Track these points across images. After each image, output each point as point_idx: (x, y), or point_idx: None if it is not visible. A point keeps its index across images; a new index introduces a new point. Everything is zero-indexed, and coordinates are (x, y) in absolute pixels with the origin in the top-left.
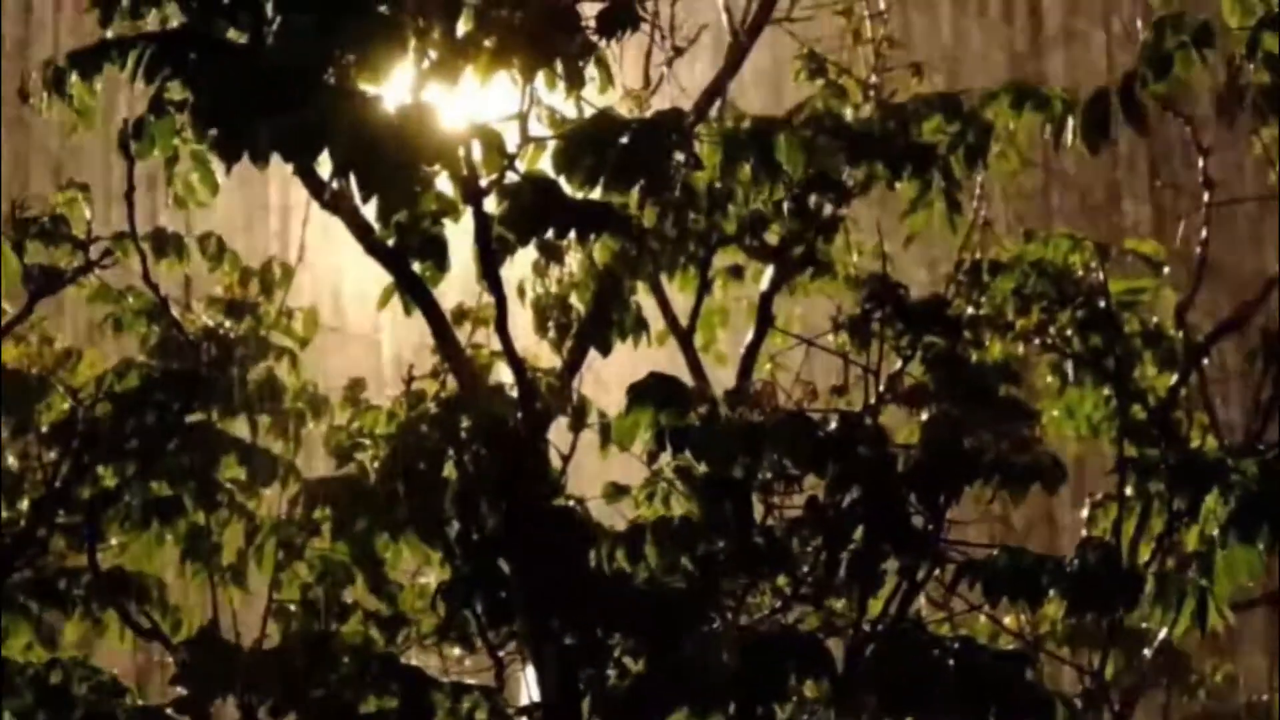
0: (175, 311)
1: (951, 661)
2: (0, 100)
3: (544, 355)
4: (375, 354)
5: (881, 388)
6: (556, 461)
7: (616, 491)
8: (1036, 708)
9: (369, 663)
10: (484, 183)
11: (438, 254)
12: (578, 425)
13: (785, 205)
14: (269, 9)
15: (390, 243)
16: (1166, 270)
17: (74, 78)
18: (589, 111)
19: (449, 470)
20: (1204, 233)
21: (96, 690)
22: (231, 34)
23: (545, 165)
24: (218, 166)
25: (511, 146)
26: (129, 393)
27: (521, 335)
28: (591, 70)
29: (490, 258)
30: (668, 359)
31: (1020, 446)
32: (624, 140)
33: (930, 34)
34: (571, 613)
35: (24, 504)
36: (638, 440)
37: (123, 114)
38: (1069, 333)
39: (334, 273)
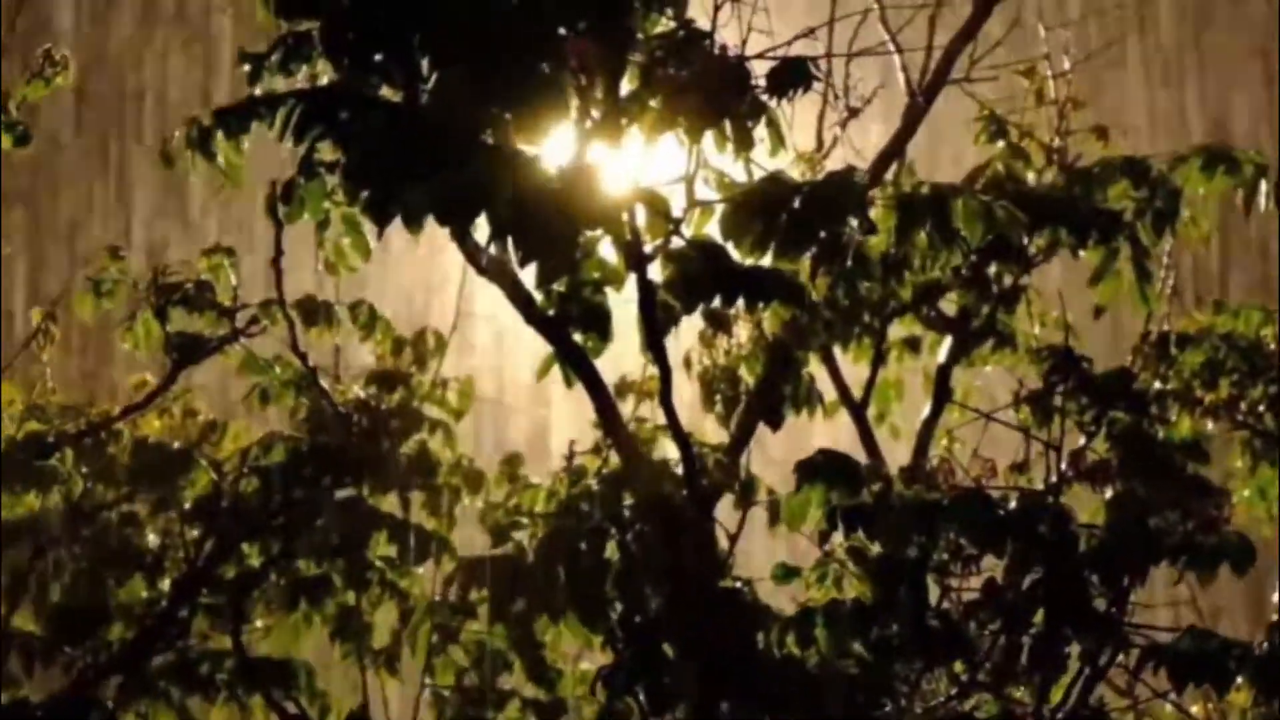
0: (324, 382)
1: None
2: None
3: (710, 430)
4: (534, 428)
5: (1064, 465)
6: (723, 541)
7: (786, 573)
8: None
9: None
10: (648, 249)
11: (600, 323)
12: (746, 503)
13: (964, 273)
14: (425, 65)
15: (550, 311)
16: None
17: (220, 136)
18: (759, 174)
19: (611, 550)
20: None
21: None
22: (385, 91)
23: (713, 230)
24: (370, 230)
25: (677, 211)
26: (275, 467)
27: (687, 409)
28: (762, 131)
29: (655, 327)
30: (840, 434)
31: (1208, 527)
32: (795, 205)
33: (1116, 95)
34: (739, 699)
35: (165, 583)
36: (808, 519)
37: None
38: (1260, 409)
39: (491, 343)
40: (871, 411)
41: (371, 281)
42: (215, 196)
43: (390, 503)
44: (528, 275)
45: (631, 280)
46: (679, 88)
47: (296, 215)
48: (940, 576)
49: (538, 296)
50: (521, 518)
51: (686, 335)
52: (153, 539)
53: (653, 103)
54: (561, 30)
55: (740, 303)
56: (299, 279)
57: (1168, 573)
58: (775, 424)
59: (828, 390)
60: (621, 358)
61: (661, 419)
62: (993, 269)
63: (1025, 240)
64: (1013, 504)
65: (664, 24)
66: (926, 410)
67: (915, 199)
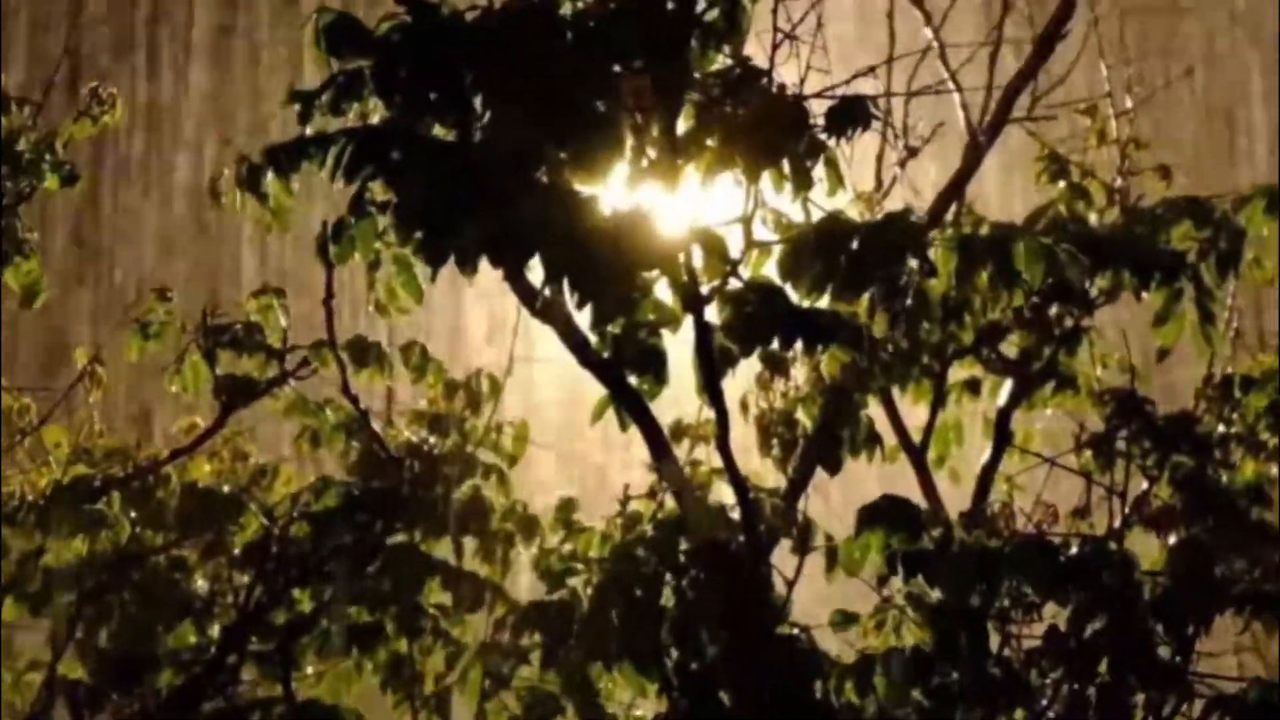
0: (376, 426)
1: None
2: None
3: (768, 474)
4: (588, 472)
5: (1127, 510)
6: (780, 587)
7: (844, 619)
8: None
9: None
10: (705, 290)
11: (656, 366)
12: (803, 549)
13: (1025, 315)
14: (478, 104)
15: (605, 354)
16: None
17: (269, 175)
18: (817, 214)
19: (666, 596)
20: None
21: None
22: (438, 130)
23: (770, 271)
24: (422, 271)
25: (734, 251)
26: (327, 512)
27: (744, 452)
28: (820, 171)
29: (711, 370)
30: (899, 478)
31: (1274, 573)
32: (854, 245)
33: (1178, 134)
34: None
35: (214, 629)
36: (867, 565)
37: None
38: None
39: (545, 385)
40: (931, 455)
41: (423, 323)
42: (264, 236)
43: (443, 549)
44: (583, 317)
45: (688, 322)
46: (736, 126)
47: (347, 255)
48: (1001, 624)
49: (593, 338)
50: (576, 563)
51: (743, 378)
52: (202, 584)
53: (710, 142)
54: (617, 68)
55: (798, 345)
56: (350, 320)
57: (1233, 621)
58: (833, 468)
59: (887, 434)
60: (677, 401)
61: (718, 463)
62: (1054, 311)
63: (1087, 282)
64: (1075, 550)
65: (721, 62)
66: (987, 454)
67: (975, 240)
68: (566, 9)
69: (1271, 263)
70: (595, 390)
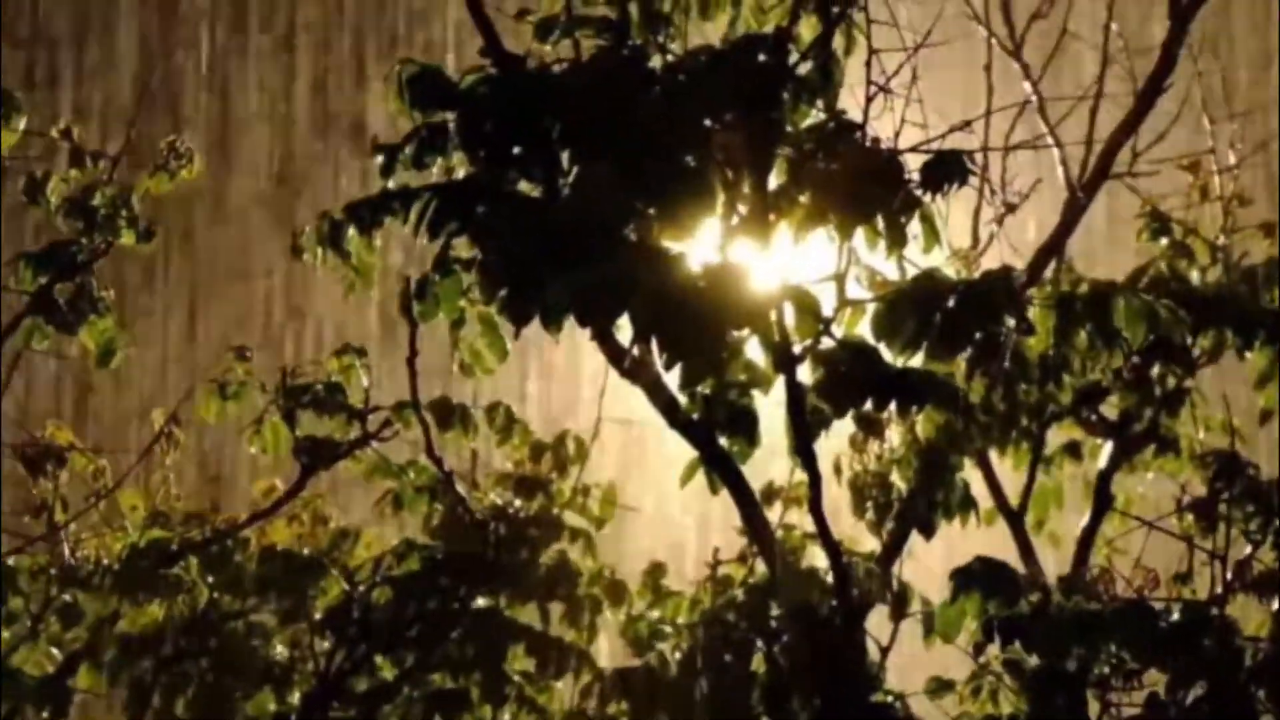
0: (460, 488)
1: None
2: None
3: (862, 537)
4: (677, 536)
5: (1229, 575)
6: (875, 653)
7: (940, 686)
8: None
9: None
10: (797, 349)
11: (747, 427)
12: (898, 614)
13: (1125, 375)
14: (565, 158)
15: (695, 415)
16: None
17: (351, 231)
18: (912, 272)
19: (757, 662)
20: None
21: None
22: (523, 185)
23: (864, 330)
24: (507, 330)
25: (827, 310)
26: (410, 576)
27: (837, 516)
28: (915, 227)
29: (804, 431)
30: (996, 541)
31: None
32: (950, 304)
33: None
34: None
35: (294, 697)
36: (963, 630)
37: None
38: None
39: (633, 447)
40: (1029, 519)
41: (508, 383)
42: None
43: (529, 614)
44: (672, 377)
45: (780, 382)
46: (829, 182)
47: (431, 314)
48: (1100, 691)
49: (682, 399)
50: (664, 629)
51: (837, 439)
52: (281, 651)
53: (802, 197)
54: (708, 122)
55: (893, 406)
56: (433, 380)
57: None
58: (929, 532)
59: (983, 497)
60: (769, 462)
61: (810, 526)
62: (1155, 371)
63: (1189, 341)
64: (1176, 616)
65: (814, 116)
66: (1086, 518)
67: (1075, 298)
68: (656, 61)
69: None
70: (684, 452)
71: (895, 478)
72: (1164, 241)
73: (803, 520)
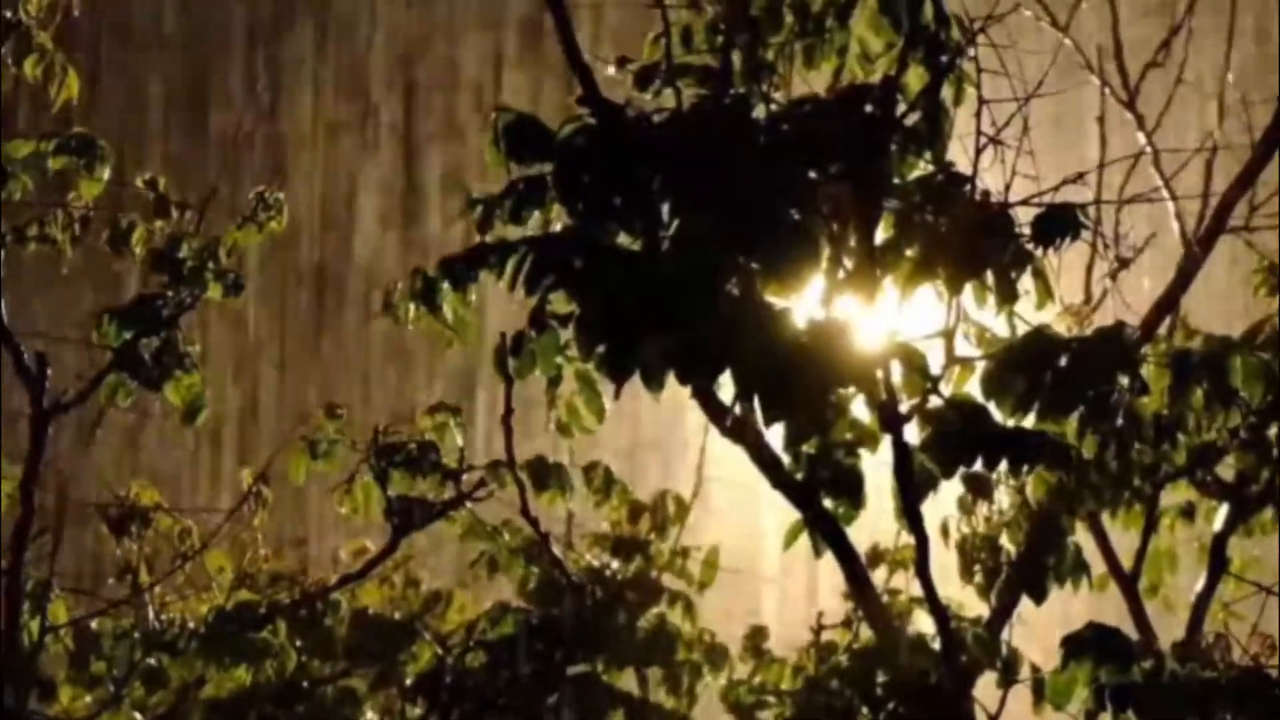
0: (556, 550)
1: None
2: None
3: (970, 602)
4: (780, 599)
5: None
6: None
7: None
8: None
9: None
10: (904, 408)
11: (852, 488)
12: (1008, 681)
13: (1242, 435)
14: (665, 211)
15: (799, 475)
16: None
17: (445, 287)
18: (1022, 329)
19: None
20: None
21: None
22: (622, 239)
23: (973, 389)
24: (605, 388)
25: (935, 368)
26: (504, 641)
27: (944, 579)
28: (1026, 283)
29: (911, 492)
30: (1108, 606)
31: None
32: (1062, 362)
33: None
34: None
35: None
36: (1074, 698)
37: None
38: None
39: (734, 508)
40: (1142, 583)
41: (607, 442)
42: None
43: (627, 679)
44: (775, 436)
45: (886, 442)
46: (938, 236)
47: (527, 370)
48: None
49: (785, 459)
50: (767, 696)
51: (945, 501)
52: (372, 717)
53: (909, 252)
54: (813, 174)
55: (1003, 466)
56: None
57: None
58: (1039, 596)
59: (1095, 560)
60: (875, 524)
61: (917, 590)
62: (1273, 430)
63: None
64: None
65: (922, 168)
66: (1201, 582)
67: (1190, 356)
68: (759, 111)
69: None
70: (787, 513)
71: (1004, 540)
72: None
73: (909, 584)
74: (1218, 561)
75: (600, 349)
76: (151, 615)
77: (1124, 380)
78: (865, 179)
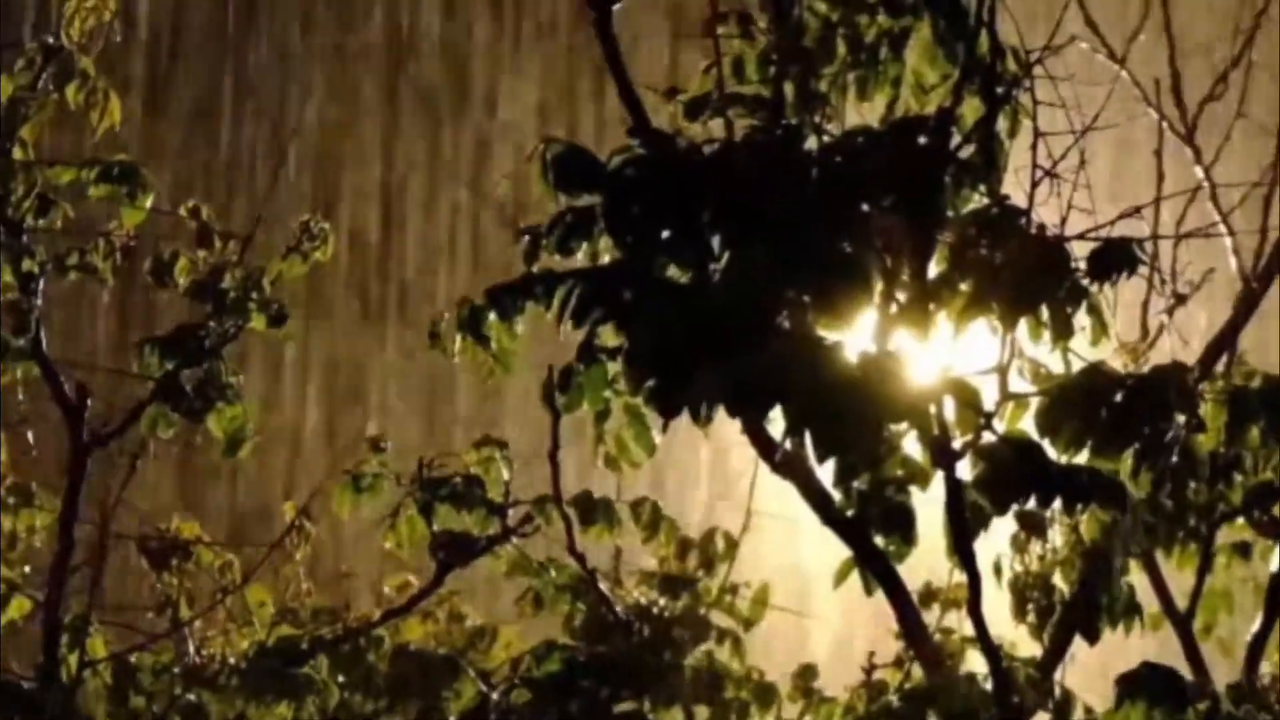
0: (603, 586)
1: None
2: None
3: (1022, 642)
4: (830, 638)
5: None
6: None
7: None
8: None
9: None
10: (957, 444)
11: (904, 525)
12: None
13: None
14: (715, 243)
15: (850, 512)
16: None
17: (491, 317)
18: (1077, 365)
19: None
20: None
21: None
22: (672, 271)
23: (1027, 425)
24: (654, 422)
25: (989, 403)
26: (549, 678)
27: (997, 619)
28: (1082, 318)
29: (963, 530)
30: (1163, 647)
31: None
32: (1117, 399)
33: None
34: None
35: None
36: None
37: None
38: None
39: (784, 545)
40: (1197, 624)
41: (655, 477)
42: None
43: (674, 718)
44: (826, 472)
45: (938, 479)
46: (992, 270)
47: (575, 404)
48: None
49: (836, 495)
50: None
51: (997, 539)
52: None
53: (963, 286)
54: (866, 206)
55: (1056, 504)
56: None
57: None
58: (1092, 636)
59: (1149, 600)
60: (926, 562)
61: (969, 629)
62: None
63: None
64: None
65: (977, 200)
66: (1258, 623)
67: (1247, 393)
68: (812, 142)
69: None
70: (837, 550)
71: (1058, 579)
72: None
73: (961, 623)
74: (1274, 601)
75: (649, 383)
76: (192, 650)
77: (1180, 418)
78: (919, 211)
